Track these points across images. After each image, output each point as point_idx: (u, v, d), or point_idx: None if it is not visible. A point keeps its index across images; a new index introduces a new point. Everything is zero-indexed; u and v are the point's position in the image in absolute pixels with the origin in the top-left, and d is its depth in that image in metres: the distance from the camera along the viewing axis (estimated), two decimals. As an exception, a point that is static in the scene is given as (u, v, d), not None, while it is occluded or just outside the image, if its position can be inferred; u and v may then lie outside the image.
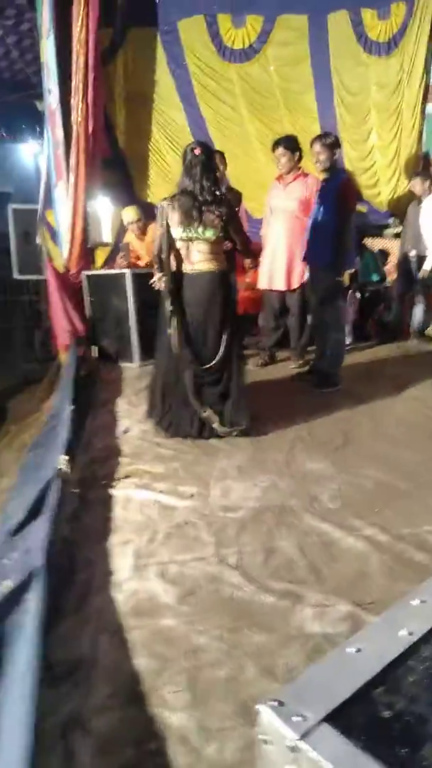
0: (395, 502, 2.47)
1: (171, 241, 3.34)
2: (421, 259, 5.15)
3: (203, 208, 3.26)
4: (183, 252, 3.34)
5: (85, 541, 2.37)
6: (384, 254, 5.76)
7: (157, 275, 3.38)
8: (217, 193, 3.31)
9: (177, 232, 3.28)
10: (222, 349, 3.34)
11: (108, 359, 5.09)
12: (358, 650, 0.68)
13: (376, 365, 4.70)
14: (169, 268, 3.36)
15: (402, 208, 5.39)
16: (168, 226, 3.32)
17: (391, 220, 5.75)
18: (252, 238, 5.26)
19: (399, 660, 0.62)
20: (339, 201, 3.74)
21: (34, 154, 7.88)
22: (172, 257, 3.37)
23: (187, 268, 3.36)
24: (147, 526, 2.40)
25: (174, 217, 3.29)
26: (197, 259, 3.33)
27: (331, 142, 3.78)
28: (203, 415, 3.30)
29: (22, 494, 3.05)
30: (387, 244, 5.78)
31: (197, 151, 3.22)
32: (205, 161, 3.24)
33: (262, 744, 0.61)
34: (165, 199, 3.39)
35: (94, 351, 5.05)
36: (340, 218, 3.73)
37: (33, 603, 1.84)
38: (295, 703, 0.60)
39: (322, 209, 3.85)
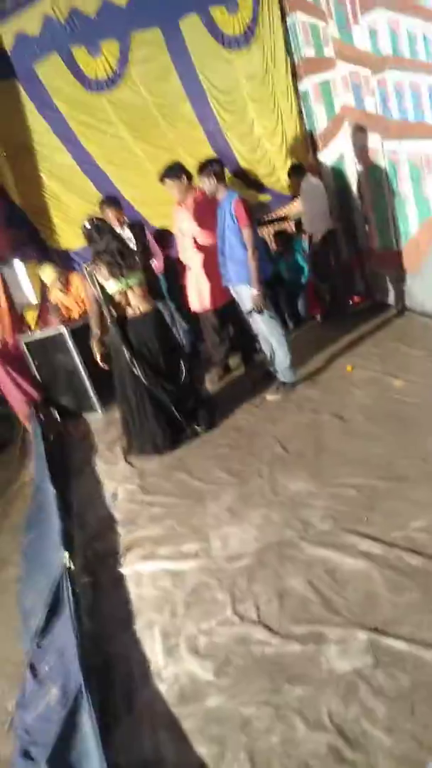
0: (379, 504, 2.65)
1: (107, 297, 3.80)
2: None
3: (121, 258, 3.76)
4: (123, 301, 3.84)
5: (112, 633, 2.48)
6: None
7: (96, 349, 3.90)
8: (123, 242, 3.89)
9: (112, 286, 3.67)
10: (184, 368, 4.00)
11: (71, 415, 5.14)
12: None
13: (321, 348, 4.86)
14: (113, 320, 3.82)
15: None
16: (100, 285, 3.79)
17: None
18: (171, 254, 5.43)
19: None
20: (236, 220, 3.85)
21: None
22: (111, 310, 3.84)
23: (129, 312, 3.86)
24: (165, 600, 2.53)
25: (102, 275, 3.76)
26: (136, 303, 3.85)
27: (211, 170, 3.89)
28: (187, 427, 3.98)
29: (34, 587, 3.14)
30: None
31: (87, 225, 3.81)
32: (98, 227, 3.81)
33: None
34: (87, 264, 3.85)
35: (55, 413, 5.09)
36: (244, 235, 3.85)
37: (86, 716, 1.96)
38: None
39: (224, 231, 3.96)
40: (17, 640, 2.75)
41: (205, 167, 3.91)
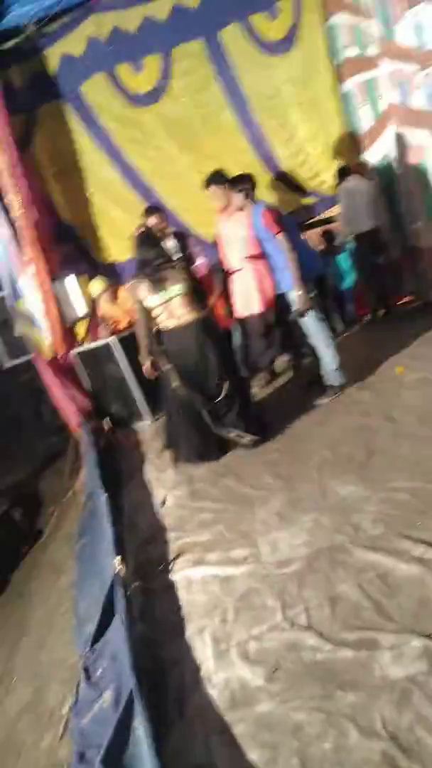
0: (432, 509, 2.58)
1: (148, 312, 3.81)
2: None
3: (163, 268, 3.74)
4: (166, 313, 3.78)
5: (163, 638, 2.50)
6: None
7: (145, 364, 3.93)
8: (167, 253, 3.91)
9: (153, 299, 3.65)
10: (226, 381, 3.83)
11: (121, 425, 5.23)
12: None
13: (370, 350, 4.78)
14: (152, 337, 3.87)
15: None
16: (141, 300, 3.79)
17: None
18: (211, 262, 5.44)
19: None
20: (267, 230, 3.96)
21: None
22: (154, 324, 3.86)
23: (172, 324, 3.79)
24: (215, 606, 2.52)
25: (144, 289, 3.72)
26: (180, 314, 3.78)
27: (242, 186, 4.07)
28: (230, 436, 3.83)
29: (87, 592, 3.19)
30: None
31: (136, 233, 3.87)
32: (146, 236, 3.86)
33: None
34: (131, 279, 3.81)
35: (107, 422, 5.18)
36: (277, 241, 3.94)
37: (138, 720, 1.97)
38: None
39: (262, 243, 4.07)
40: (73, 645, 2.81)
41: (235, 182, 4.08)
